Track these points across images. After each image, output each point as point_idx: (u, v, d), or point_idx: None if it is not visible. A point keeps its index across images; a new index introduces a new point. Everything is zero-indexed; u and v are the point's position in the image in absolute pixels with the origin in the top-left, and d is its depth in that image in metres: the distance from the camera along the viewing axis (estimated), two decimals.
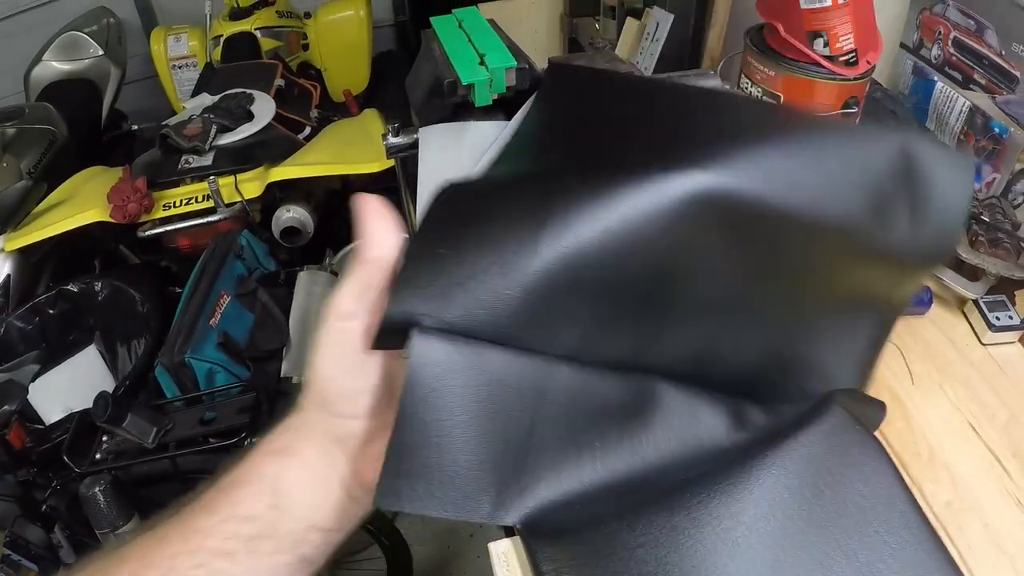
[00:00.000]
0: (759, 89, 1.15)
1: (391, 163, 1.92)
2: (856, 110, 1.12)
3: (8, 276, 2.06)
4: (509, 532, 0.64)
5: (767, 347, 0.67)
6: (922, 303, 0.96)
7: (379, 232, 0.54)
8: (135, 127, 2.98)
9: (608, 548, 0.54)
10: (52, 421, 1.75)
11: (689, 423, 0.62)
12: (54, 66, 2.75)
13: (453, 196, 0.62)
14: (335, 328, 0.53)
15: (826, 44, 1.07)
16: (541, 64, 0.89)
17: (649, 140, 0.64)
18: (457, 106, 0.87)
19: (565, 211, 0.54)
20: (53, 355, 1.96)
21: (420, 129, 0.87)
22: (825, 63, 1.08)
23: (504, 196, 0.62)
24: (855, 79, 1.09)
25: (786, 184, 0.57)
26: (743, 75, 1.19)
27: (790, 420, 0.64)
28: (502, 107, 0.88)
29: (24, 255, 2.07)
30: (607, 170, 0.57)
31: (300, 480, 0.53)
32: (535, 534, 0.56)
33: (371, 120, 2.23)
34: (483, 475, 0.55)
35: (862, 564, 0.55)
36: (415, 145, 0.90)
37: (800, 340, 0.68)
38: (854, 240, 0.60)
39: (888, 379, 0.87)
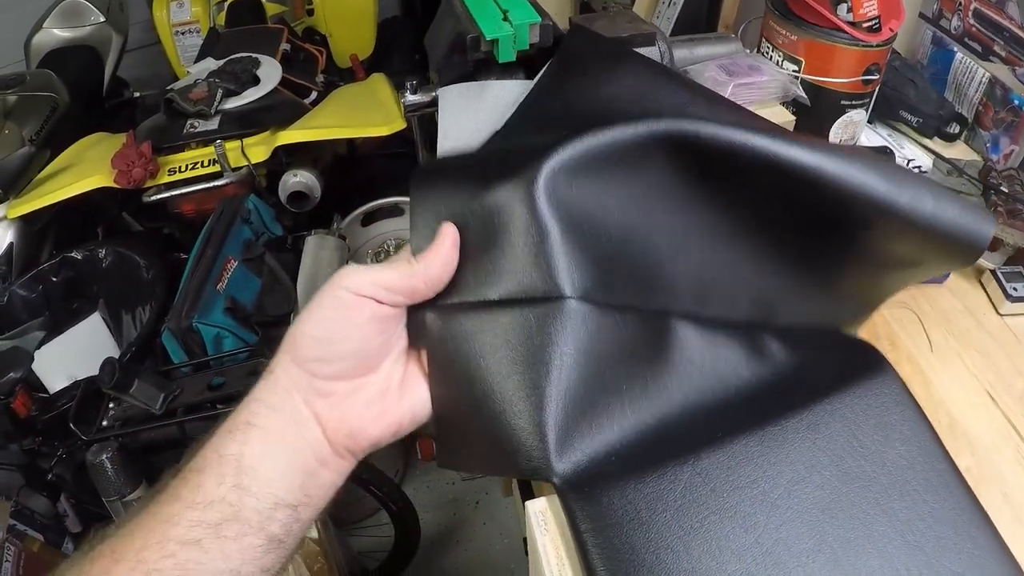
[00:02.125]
0: (780, 54, 1.13)
1: (400, 126, 1.94)
2: (877, 77, 1.11)
3: (11, 244, 2.03)
4: (527, 494, 0.63)
5: (758, 280, 0.67)
6: None
7: (447, 264, 0.58)
8: (137, 94, 2.94)
9: (649, 509, 0.54)
10: (56, 389, 1.74)
11: (708, 355, 0.62)
12: (55, 33, 2.70)
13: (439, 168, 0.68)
14: (344, 296, 0.55)
15: (850, 10, 1.05)
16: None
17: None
18: (479, 63, 0.85)
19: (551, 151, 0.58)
20: (57, 323, 1.94)
21: (439, 89, 0.86)
22: (848, 29, 1.06)
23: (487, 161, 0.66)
24: (877, 46, 1.07)
25: (758, 132, 0.58)
26: (763, 39, 1.17)
27: (823, 373, 0.64)
28: (524, 65, 0.86)
29: (27, 223, 2.05)
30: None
31: (263, 453, 0.53)
32: (574, 492, 0.55)
33: (379, 84, 2.19)
34: (516, 433, 0.56)
35: (902, 522, 0.55)
36: (434, 103, 0.88)
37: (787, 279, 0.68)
38: (860, 195, 0.59)
39: (908, 346, 0.87)
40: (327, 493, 0.57)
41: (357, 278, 0.55)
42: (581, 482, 0.55)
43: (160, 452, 1.55)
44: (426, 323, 0.60)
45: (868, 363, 0.64)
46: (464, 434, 0.59)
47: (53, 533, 1.74)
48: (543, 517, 0.59)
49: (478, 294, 0.59)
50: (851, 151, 0.60)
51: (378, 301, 0.56)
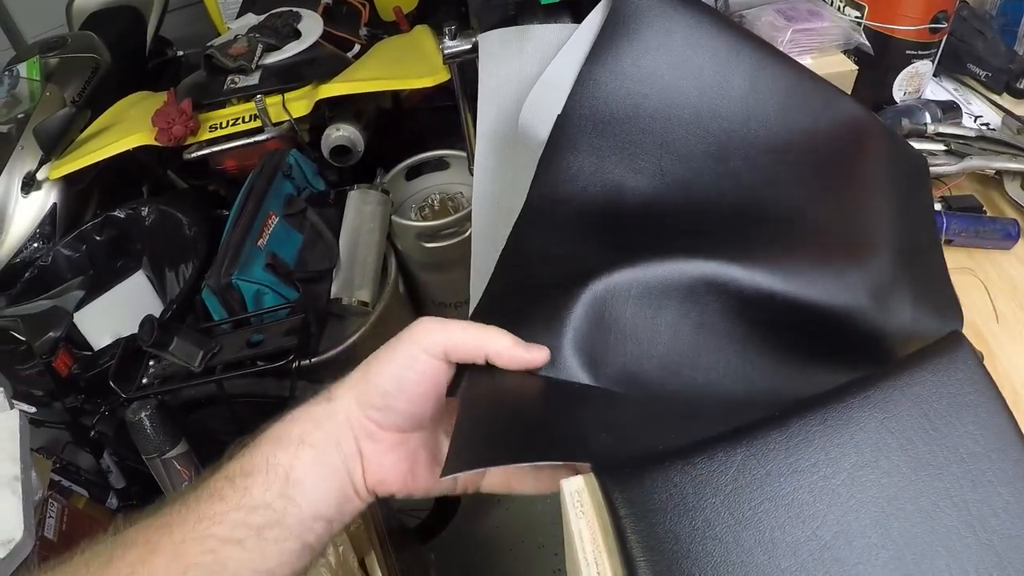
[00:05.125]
0: None
1: (444, 77, 1.90)
2: (944, 26, 1.05)
3: (54, 205, 2.06)
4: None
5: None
6: (1009, 237, 0.89)
7: (514, 363, 0.58)
8: (180, 53, 2.94)
9: (696, 494, 0.49)
10: (100, 347, 1.75)
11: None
12: None
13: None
14: (421, 359, 0.57)
15: None
16: None
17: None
18: (521, 5, 0.81)
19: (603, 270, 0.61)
20: (101, 282, 1.96)
21: (480, 35, 0.82)
22: None
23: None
24: None
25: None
26: None
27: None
28: (568, 8, 0.81)
29: (70, 183, 2.07)
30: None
31: (311, 472, 0.56)
32: (613, 472, 0.51)
33: (423, 36, 2.16)
34: (551, 411, 0.55)
35: (974, 517, 0.50)
36: (474, 50, 0.84)
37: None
38: (852, 321, 0.63)
39: (972, 316, 0.81)
40: (355, 515, 0.60)
41: (434, 340, 0.57)
42: (622, 461, 0.51)
43: (199, 409, 1.56)
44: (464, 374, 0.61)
45: (942, 337, 0.59)
46: (487, 428, 0.57)
47: (97, 489, 1.76)
48: (579, 498, 0.53)
49: None
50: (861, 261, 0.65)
51: (447, 363, 0.58)
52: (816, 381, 0.61)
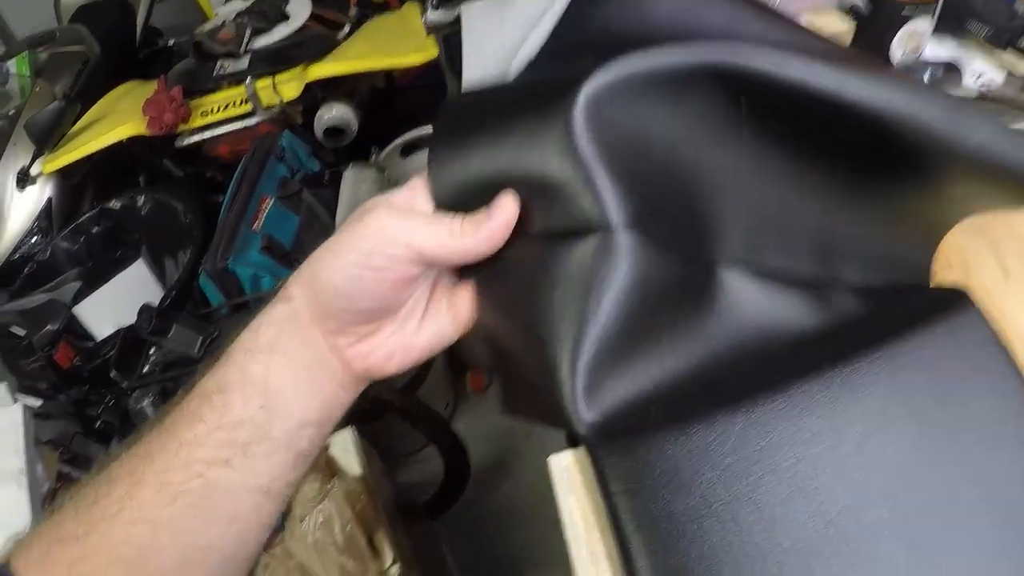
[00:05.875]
0: None
1: (433, 54, 1.89)
2: None
3: (50, 199, 2.07)
4: (573, 442, 0.56)
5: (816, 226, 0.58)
6: None
7: (494, 241, 0.53)
8: (171, 42, 2.92)
9: (692, 469, 0.46)
10: (103, 338, 1.75)
11: (762, 301, 0.55)
12: None
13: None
14: (376, 257, 0.52)
15: None
16: None
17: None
18: None
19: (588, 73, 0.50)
20: (100, 273, 1.95)
21: (462, 5, 0.81)
22: None
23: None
24: None
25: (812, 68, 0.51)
26: None
27: (896, 313, 0.55)
28: None
29: (64, 176, 2.07)
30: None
31: (289, 379, 0.53)
32: (605, 445, 0.48)
33: (412, 13, 2.13)
34: (550, 375, 0.50)
35: (993, 489, 0.46)
36: (458, 22, 0.83)
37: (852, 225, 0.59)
38: (926, 137, 0.52)
39: (981, 275, 0.80)
40: (345, 410, 0.58)
41: (392, 238, 0.51)
42: (614, 434, 0.48)
43: None
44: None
45: (949, 299, 0.55)
46: (513, 377, 0.55)
47: None
48: (568, 475, 0.51)
49: (520, 227, 0.53)
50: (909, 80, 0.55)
51: (409, 260, 0.52)
52: (843, 196, 0.57)
